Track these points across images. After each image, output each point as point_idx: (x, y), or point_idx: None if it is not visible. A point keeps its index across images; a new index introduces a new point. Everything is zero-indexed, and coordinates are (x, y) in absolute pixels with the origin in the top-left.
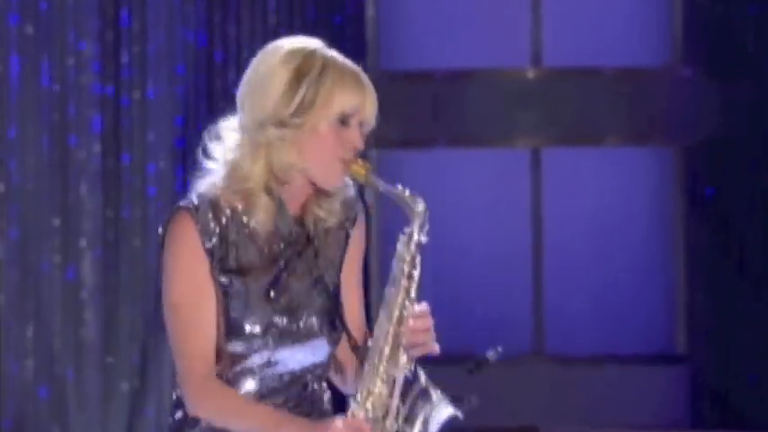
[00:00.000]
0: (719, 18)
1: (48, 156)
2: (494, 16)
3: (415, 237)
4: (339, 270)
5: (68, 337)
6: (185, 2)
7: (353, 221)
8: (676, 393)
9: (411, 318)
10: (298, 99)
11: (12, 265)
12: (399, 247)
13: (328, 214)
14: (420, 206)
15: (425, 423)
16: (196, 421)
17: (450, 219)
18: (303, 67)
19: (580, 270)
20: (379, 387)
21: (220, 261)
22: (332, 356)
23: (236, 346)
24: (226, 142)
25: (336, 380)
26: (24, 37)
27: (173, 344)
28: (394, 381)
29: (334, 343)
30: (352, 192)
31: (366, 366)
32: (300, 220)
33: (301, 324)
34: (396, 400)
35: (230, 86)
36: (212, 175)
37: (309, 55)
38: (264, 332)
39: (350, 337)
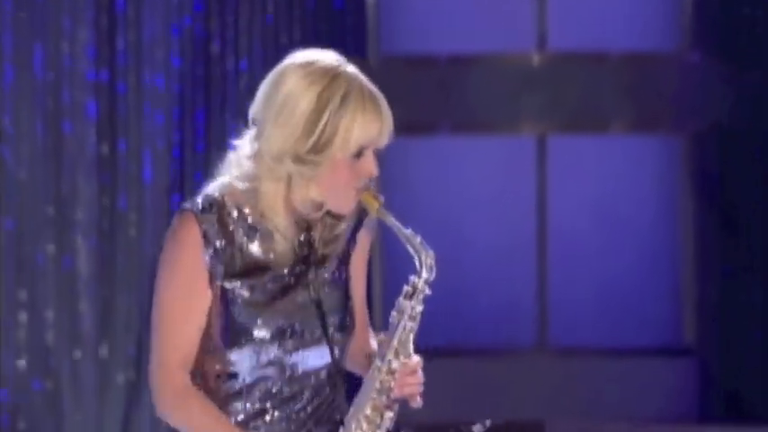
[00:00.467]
0: (728, 2)
1: (42, 143)
2: None
3: (419, 289)
4: (346, 265)
5: (63, 328)
6: None
7: (358, 226)
8: (684, 387)
9: (403, 372)
10: (317, 133)
11: (6, 256)
12: (402, 297)
13: (337, 220)
14: (430, 259)
15: None
16: None
17: (452, 207)
18: (326, 91)
19: (585, 260)
20: None
21: (226, 266)
22: (343, 356)
23: (243, 353)
24: (241, 168)
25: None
26: (18, 22)
27: (154, 345)
28: (378, 429)
29: (345, 343)
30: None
31: (350, 415)
32: (309, 225)
33: (313, 327)
34: None
35: (228, 75)
36: (220, 183)
37: (334, 78)
38: (274, 337)
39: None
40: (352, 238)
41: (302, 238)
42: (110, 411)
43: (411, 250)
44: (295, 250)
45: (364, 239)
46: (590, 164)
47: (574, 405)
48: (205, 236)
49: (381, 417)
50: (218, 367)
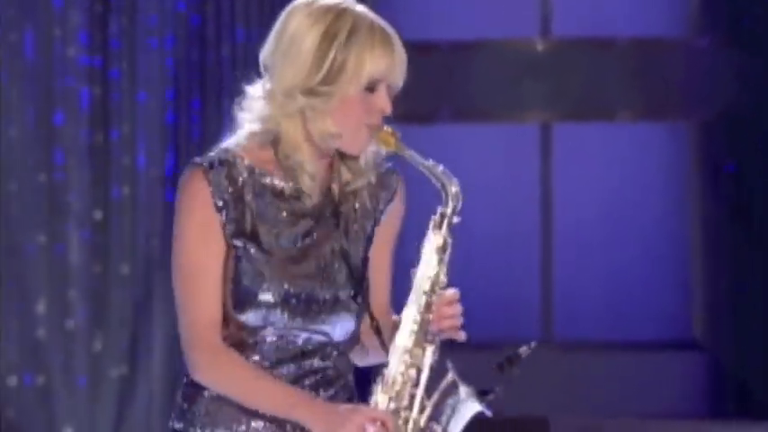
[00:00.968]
0: None
1: (32, 131)
2: None
3: (448, 219)
4: (367, 244)
5: (55, 322)
6: None
7: (390, 198)
8: (693, 382)
9: (440, 304)
10: (326, 66)
11: None
12: (431, 229)
13: (354, 175)
14: (455, 187)
15: (449, 420)
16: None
17: None
18: (332, 28)
19: (591, 252)
20: (404, 375)
21: (235, 222)
22: (355, 333)
23: (249, 317)
24: (255, 111)
25: (354, 356)
26: (8, 6)
27: (179, 306)
28: (419, 370)
29: (356, 319)
30: (386, 164)
31: (392, 353)
32: (327, 189)
33: (321, 297)
34: (421, 391)
35: (223, 61)
36: (236, 135)
37: (339, 15)
38: (279, 303)
39: (372, 318)
40: (377, 218)
41: (319, 203)
42: (102, 407)
43: (434, 180)
44: (310, 216)
45: (394, 213)
46: (596, 153)
47: (579, 400)
48: (214, 191)
49: (423, 351)
50: (234, 330)
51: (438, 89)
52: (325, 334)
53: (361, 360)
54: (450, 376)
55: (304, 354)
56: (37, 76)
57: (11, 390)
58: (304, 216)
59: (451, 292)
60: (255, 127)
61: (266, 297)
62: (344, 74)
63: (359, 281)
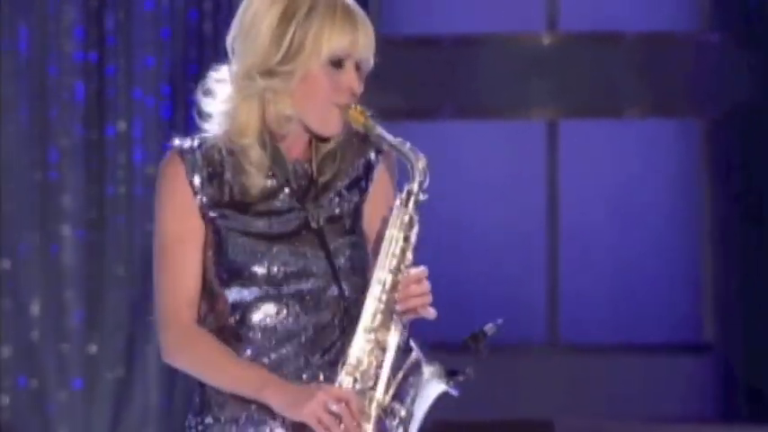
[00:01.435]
0: None
1: (26, 127)
2: None
3: (414, 195)
4: (355, 218)
5: (49, 323)
6: None
7: (370, 169)
8: (703, 385)
9: (407, 282)
10: (285, 45)
11: None
12: (396, 205)
13: (330, 156)
14: (422, 162)
15: (414, 400)
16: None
17: (458, 196)
18: (290, 7)
19: (598, 252)
20: (369, 356)
21: (213, 198)
22: (350, 304)
23: (241, 292)
24: (218, 95)
25: None
26: (2, 1)
27: (156, 289)
28: (384, 350)
29: (350, 288)
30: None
31: (357, 332)
32: (301, 164)
33: (309, 268)
34: (386, 371)
35: (220, 57)
36: (211, 123)
37: None
38: (269, 275)
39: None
40: (362, 192)
41: (296, 178)
42: (98, 409)
43: (402, 157)
44: (290, 193)
45: (380, 195)
46: (603, 151)
47: (586, 403)
48: (189, 170)
49: (388, 331)
50: (226, 306)
51: (441, 85)
52: (318, 303)
53: None
54: (414, 356)
55: (300, 325)
56: (32, 72)
57: (5, 392)
58: (284, 193)
59: (419, 270)
60: (219, 109)
61: (255, 271)
62: (303, 51)
63: (359, 254)
